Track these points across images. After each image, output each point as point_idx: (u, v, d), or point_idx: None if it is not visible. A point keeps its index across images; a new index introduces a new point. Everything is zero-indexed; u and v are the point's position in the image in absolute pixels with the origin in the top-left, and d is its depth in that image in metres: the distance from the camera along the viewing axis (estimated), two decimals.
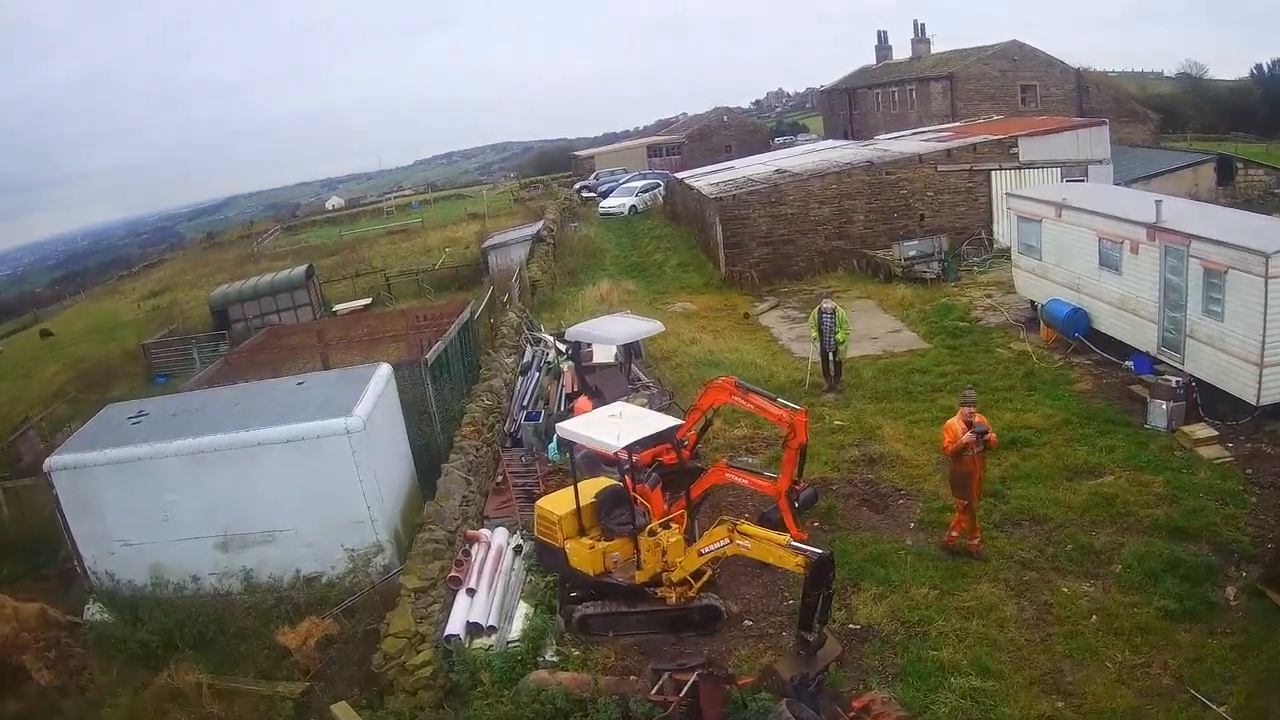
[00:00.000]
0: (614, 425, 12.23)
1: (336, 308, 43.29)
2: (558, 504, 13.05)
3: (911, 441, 19.27)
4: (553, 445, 18.53)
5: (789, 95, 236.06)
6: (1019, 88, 58.83)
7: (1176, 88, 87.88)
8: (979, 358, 24.52)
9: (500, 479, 17.91)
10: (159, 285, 71.10)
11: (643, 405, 17.23)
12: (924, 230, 36.27)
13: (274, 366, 22.50)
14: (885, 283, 33.14)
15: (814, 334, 22.68)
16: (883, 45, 77.29)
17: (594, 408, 17.31)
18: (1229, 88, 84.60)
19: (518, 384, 23.13)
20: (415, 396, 19.01)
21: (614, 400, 17.32)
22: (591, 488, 13.17)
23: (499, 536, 15.34)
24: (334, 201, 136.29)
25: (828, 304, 22.50)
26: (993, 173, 37.02)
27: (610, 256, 43.73)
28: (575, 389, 20.18)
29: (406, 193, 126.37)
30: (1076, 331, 23.30)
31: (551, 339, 26.49)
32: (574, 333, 18.20)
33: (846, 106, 75.98)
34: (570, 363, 24.86)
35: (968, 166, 36.79)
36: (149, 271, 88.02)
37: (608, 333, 17.23)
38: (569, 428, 12.50)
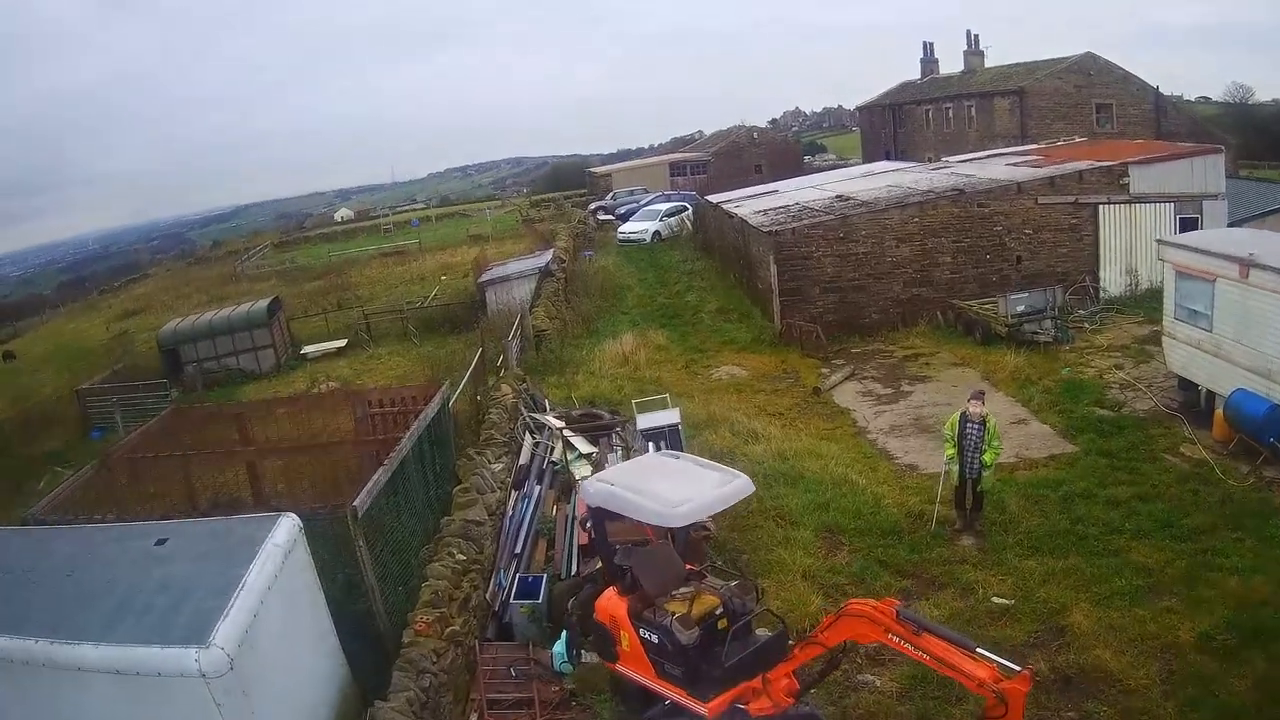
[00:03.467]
0: None
1: (306, 349, 36.46)
2: None
3: (1116, 639, 12.30)
4: (559, 648, 11.52)
5: (805, 114, 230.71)
6: (1094, 106, 51.95)
7: (1220, 111, 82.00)
8: (1147, 470, 17.60)
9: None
10: (135, 304, 65.06)
11: (711, 603, 10.15)
12: (1020, 275, 29.36)
13: (172, 472, 15.76)
14: (982, 345, 26.16)
15: (950, 450, 15.66)
16: (929, 58, 70.36)
17: (629, 608, 10.28)
18: (1270, 113, 78.76)
19: (508, 508, 16.11)
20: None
21: (656, 591, 10.25)
22: None
23: None
24: (343, 213, 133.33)
25: (976, 408, 15.48)
26: (1100, 207, 30.05)
27: (633, 296, 36.67)
28: (590, 539, 12.96)
29: (418, 205, 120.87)
30: (1273, 436, 16.75)
31: (559, 425, 19.48)
32: (598, 494, 10.51)
33: (890, 124, 68.95)
34: (583, 451, 18.07)
35: (1073, 198, 29.81)
36: (130, 287, 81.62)
37: (656, 499, 9.77)
38: None
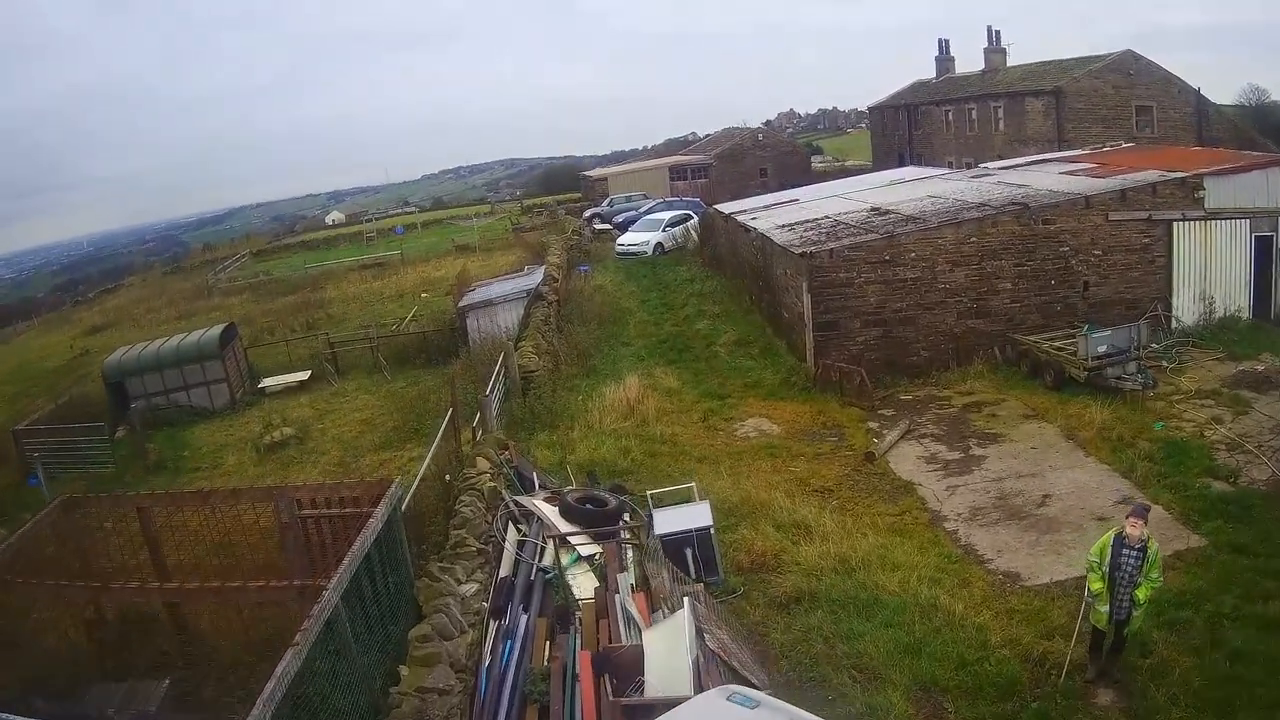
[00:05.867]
0: None
1: (265, 383, 32.09)
2: None
3: None
4: None
5: (800, 116, 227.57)
6: (1134, 108, 47.73)
7: (1236, 113, 77.70)
8: None
9: None
10: (106, 318, 61.17)
11: None
12: (1087, 304, 25.21)
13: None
14: (1054, 390, 21.95)
15: (1098, 585, 11.42)
16: (944, 55, 66.04)
17: None
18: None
19: (484, 651, 11.81)
20: None
21: None
22: None
23: None
24: (334, 216, 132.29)
25: (1137, 529, 11.23)
26: (1174, 224, 25.87)
27: (635, 322, 32.17)
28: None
29: (410, 210, 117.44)
30: None
31: (550, 516, 15.20)
32: None
33: (904, 125, 64.69)
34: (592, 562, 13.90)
35: (1146, 214, 25.58)
36: (104, 299, 77.40)
37: None
38: None
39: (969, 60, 64.31)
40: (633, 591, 12.15)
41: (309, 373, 31.94)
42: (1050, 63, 52.16)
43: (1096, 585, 11.38)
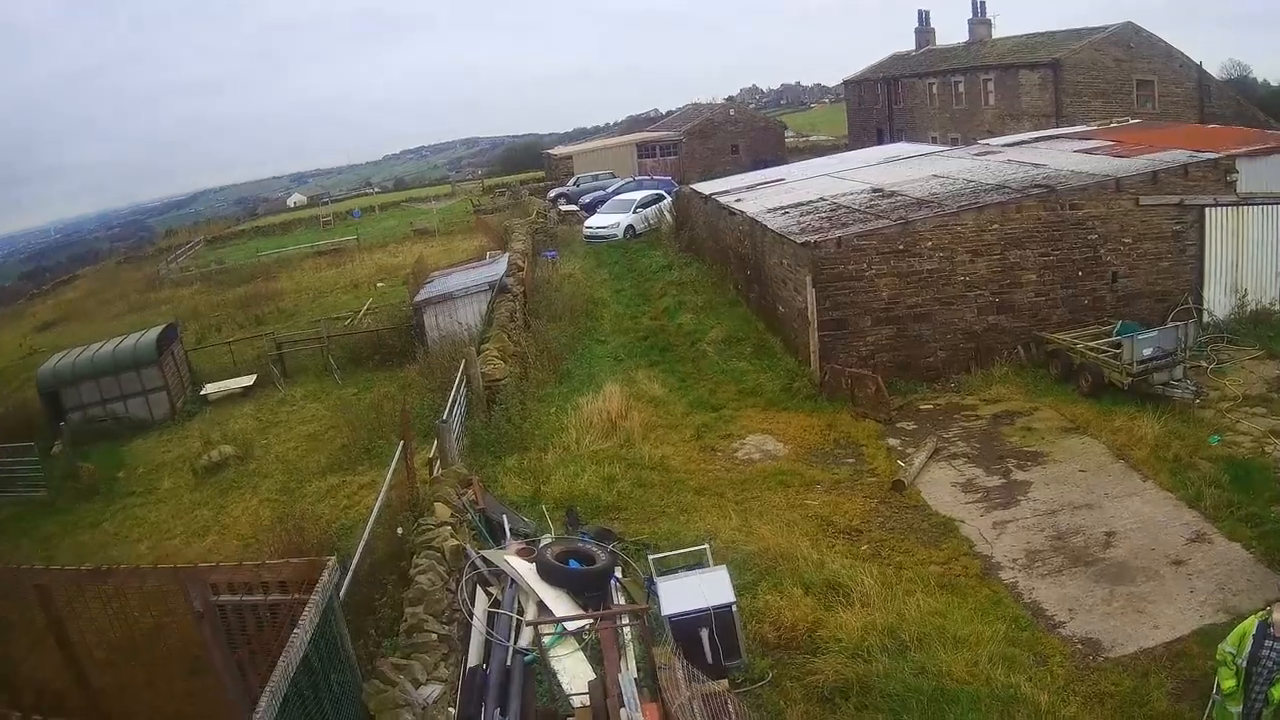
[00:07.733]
0: None
1: (207, 389, 29.07)
2: None
3: None
4: None
5: (763, 91, 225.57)
6: (1134, 83, 45.33)
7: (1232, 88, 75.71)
8: None
9: None
10: (59, 312, 58.21)
11: None
12: (1116, 297, 22.75)
13: None
14: (1091, 397, 19.40)
15: (1230, 683, 9.09)
16: (924, 27, 63.50)
17: None
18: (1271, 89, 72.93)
19: None
20: None
21: None
22: None
23: None
24: (296, 198, 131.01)
25: None
26: (1206, 210, 23.41)
27: (610, 315, 29.21)
28: None
29: (371, 191, 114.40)
30: None
31: (524, 572, 12.47)
32: None
33: (884, 99, 61.97)
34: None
35: (1178, 199, 23.08)
36: (60, 291, 73.63)
37: None
38: None
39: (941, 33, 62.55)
40: (639, 699, 9.44)
41: (254, 377, 28.94)
42: (1042, 34, 49.60)
43: (1229, 684, 9.15)
